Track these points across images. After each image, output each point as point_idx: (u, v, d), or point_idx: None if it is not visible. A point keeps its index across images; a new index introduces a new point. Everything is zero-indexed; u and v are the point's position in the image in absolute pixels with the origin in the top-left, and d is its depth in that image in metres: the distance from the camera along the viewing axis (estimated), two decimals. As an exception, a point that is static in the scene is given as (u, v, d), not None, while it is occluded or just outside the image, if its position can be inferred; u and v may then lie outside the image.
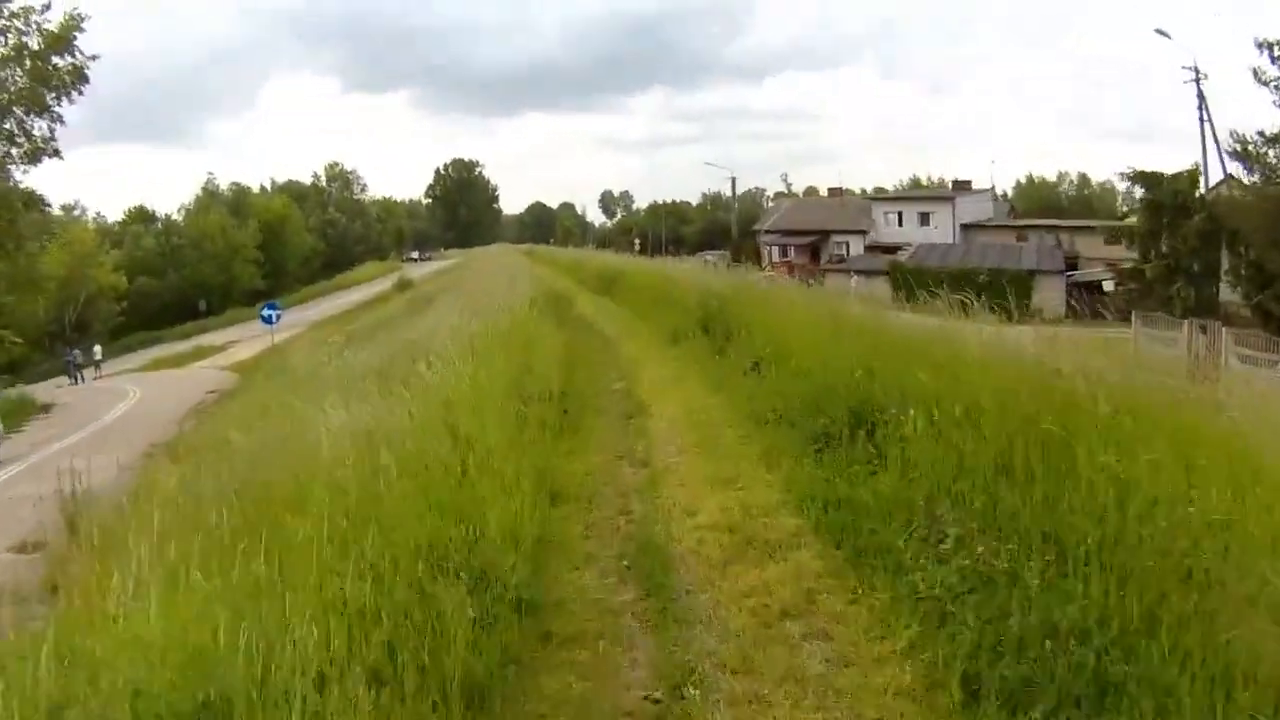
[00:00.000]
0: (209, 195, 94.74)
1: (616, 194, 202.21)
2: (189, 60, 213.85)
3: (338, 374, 17.97)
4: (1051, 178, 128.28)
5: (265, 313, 44.30)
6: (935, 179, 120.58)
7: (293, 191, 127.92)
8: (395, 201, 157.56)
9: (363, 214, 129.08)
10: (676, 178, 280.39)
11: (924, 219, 72.33)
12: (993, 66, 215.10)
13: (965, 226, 70.58)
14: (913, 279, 54.38)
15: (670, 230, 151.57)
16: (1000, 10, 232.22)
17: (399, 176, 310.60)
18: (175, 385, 43.02)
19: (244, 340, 63.89)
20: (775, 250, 76.79)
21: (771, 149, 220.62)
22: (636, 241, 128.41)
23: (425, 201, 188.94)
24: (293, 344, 47.55)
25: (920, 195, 76.30)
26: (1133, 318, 39.69)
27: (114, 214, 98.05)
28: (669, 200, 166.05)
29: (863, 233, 73.89)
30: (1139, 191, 47.63)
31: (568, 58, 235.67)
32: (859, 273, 61.47)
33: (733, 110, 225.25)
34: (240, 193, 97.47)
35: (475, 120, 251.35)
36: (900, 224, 73.38)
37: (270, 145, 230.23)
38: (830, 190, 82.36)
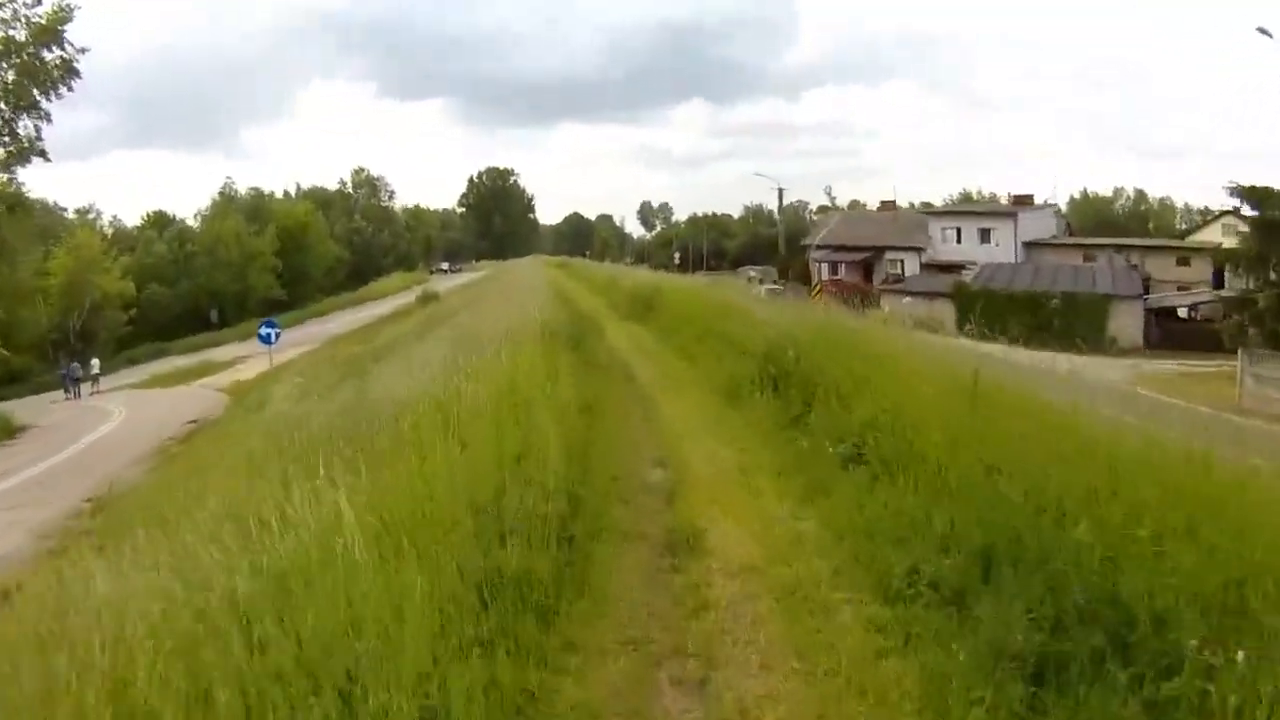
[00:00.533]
0: (226, 200, 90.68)
1: (655, 206, 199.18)
2: (224, 65, 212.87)
3: (288, 432, 13.41)
4: (1106, 193, 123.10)
5: (263, 331, 39.83)
6: (985, 194, 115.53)
7: (318, 198, 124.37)
8: (426, 210, 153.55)
9: (391, 222, 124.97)
10: (716, 191, 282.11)
11: (984, 235, 67.26)
12: (1033, 82, 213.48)
13: (1028, 244, 65.47)
14: (979, 303, 50.24)
15: (711, 243, 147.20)
16: (1038, 25, 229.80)
17: (433, 186, 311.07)
18: (159, 409, 38.95)
19: (253, 356, 59.63)
20: (824, 267, 71.78)
21: (812, 164, 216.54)
22: (676, 255, 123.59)
23: (459, 211, 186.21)
24: (289, 369, 43.00)
25: (980, 210, 70.93)
26: (1239, 355, 34.92)
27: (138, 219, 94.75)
28: (709, 213, 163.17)
29: (918, 250, 68.72)
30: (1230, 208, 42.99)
31: (607, 69, 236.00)
32: (914, 294, 56.30)
33: (773, 125, 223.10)
34: (258, 198, 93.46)
35: (512, 130, 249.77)
36: (959, 240, 68.27)
37: (304, 152, 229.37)
38: (882, 204, 77.06)
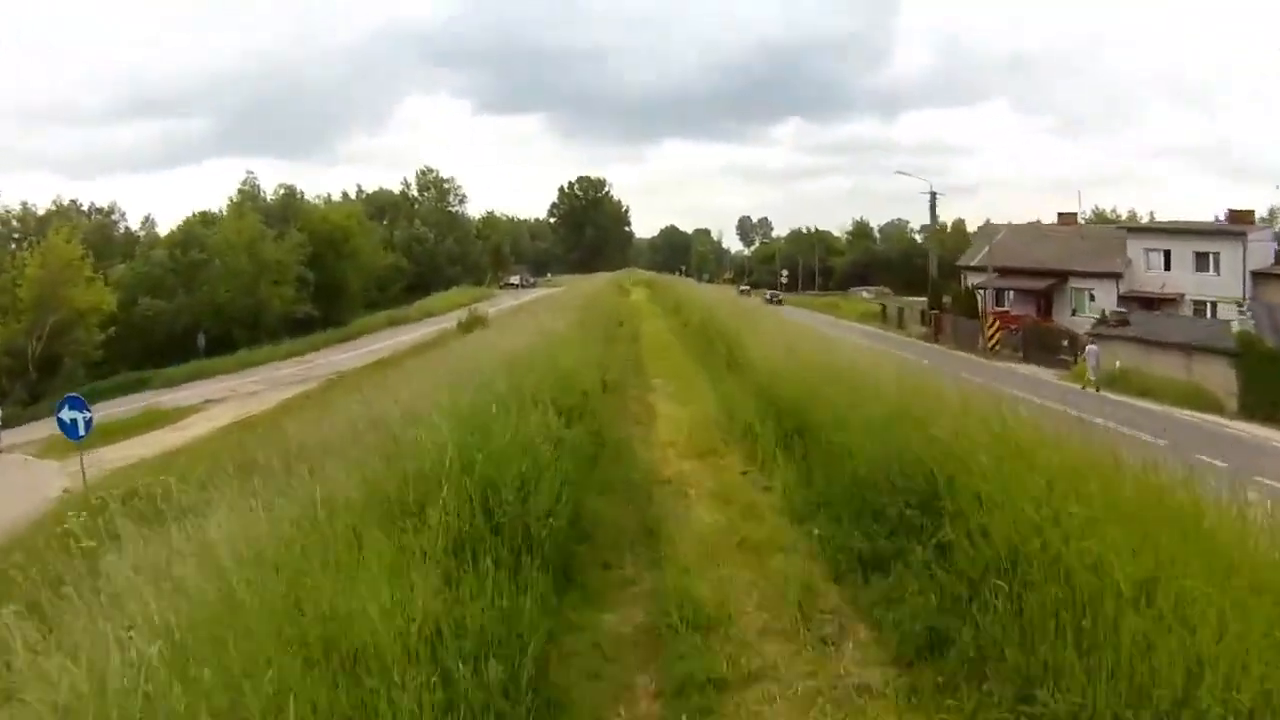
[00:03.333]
0: (248, 197, 76.55)
1: (755, 221, 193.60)
2: (326, 79, 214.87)
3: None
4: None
5: (63, 417, 20.58)
6: (1123, 213, 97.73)
7: (378, 202, 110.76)
8: (503, 218, 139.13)
9: (458, 228, 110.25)
10: (813, 208, 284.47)
11: (1201, 261, 49.47)
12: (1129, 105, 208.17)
13: (1257, 274, 47.67)
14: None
15: (819, 260, 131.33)
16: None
17: (529, 200, 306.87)
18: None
19: (235, 398, 45.30)
20: (988, 295, 54.64)
21: (907, 183, 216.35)
22: (784, 274, 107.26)
23: (550, 221, 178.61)
24: (198, 448, 27.91)
25: (1197, 229, 52.94)
26: None
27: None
28: (811, 228, 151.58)
29: (1114, 276, 51.13)
30: None
31: (705, 87, 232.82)
32: (1149, 344, 39.18)
33: (868, 142, 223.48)
34: (288, 198, 78.48)
35: (608, 147, 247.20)
36: (1167, 266, 50.62)
37: (399, 166, 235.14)
38: (1061, 217, 59.07)
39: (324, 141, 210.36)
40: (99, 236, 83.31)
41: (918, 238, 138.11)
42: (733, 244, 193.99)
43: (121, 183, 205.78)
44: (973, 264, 56.56)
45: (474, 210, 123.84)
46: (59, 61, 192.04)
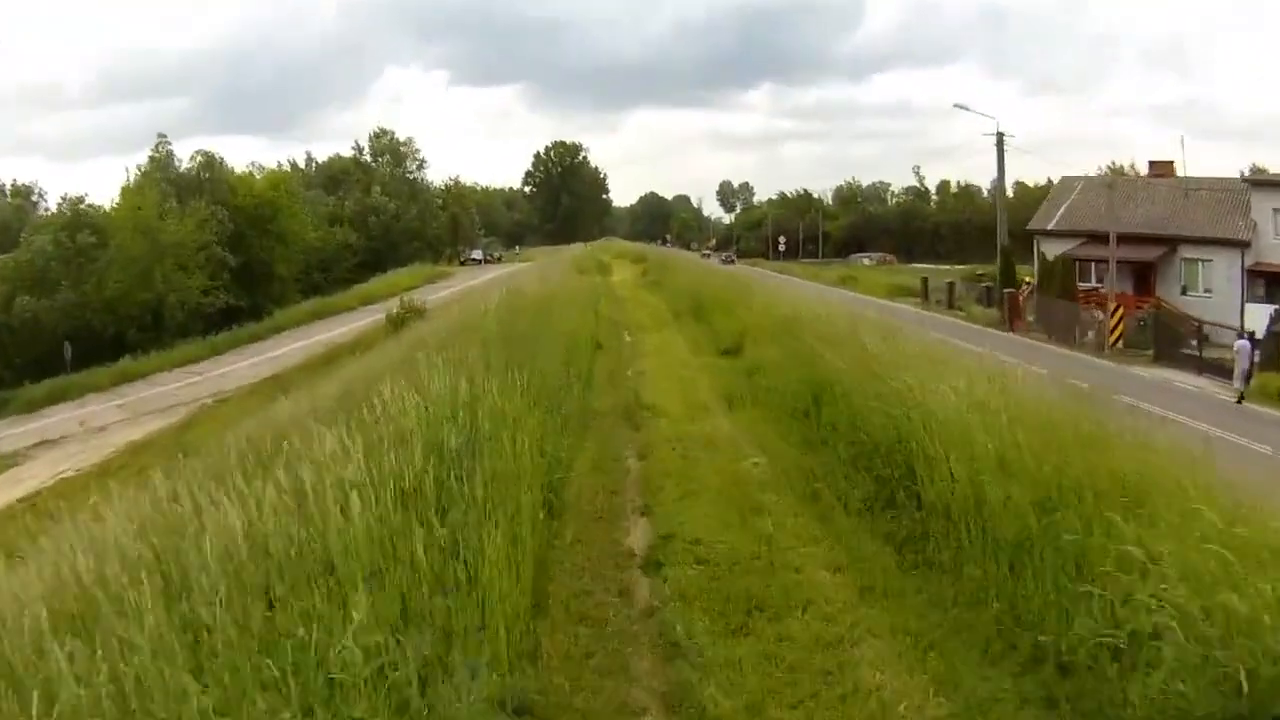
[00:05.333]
0: (159, 167, 63.17)
1: (736, 186, 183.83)
2: (300, 53, 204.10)
3: None
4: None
5: None
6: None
7: (331, 170, 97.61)
8: (472, 187, 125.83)
9: (418, 199, 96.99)
10: (791, 172, 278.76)
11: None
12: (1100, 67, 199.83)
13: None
14: None
15: (810, 226, 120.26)
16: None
17: (504, 171, 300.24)
18: None
19: (74, 440, 33.59)
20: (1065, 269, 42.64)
21: (882, 146, 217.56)
22: (781, 242, 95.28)
23: (526, 190, 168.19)
24: None
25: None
26: None
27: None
28: (797, 191, 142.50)
29: (1240, 245, 39.30)
30: None
31: (677, 53, 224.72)
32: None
33: (842, 106, 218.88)
34: (206, 166, 65.08)
35: (584, 115, 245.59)
36: (1308, 230, 39.14)
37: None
38: (1153, 167, 46.47)
39: (299, 118, 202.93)
40: (15, 219, 74.31)
41: (931, 193, 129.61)
42: (714, 210, 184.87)
43: (105, 165, 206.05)
44: (1050, 227, 44.28)
45: (438, 177, 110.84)
46: (40, 45, 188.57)
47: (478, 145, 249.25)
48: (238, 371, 40.43)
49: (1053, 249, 43.75)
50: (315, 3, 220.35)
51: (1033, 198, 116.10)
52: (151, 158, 62.99)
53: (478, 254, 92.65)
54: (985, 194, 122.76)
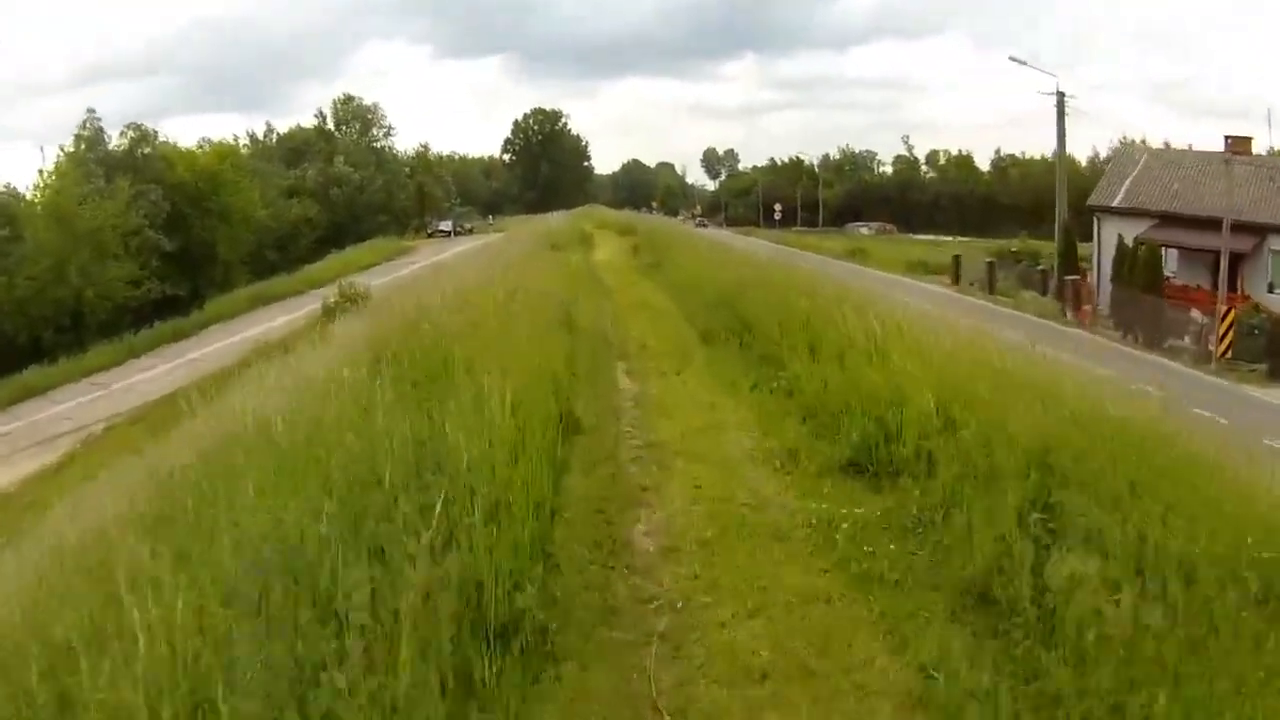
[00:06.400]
0: (89, 144, 55.40)
1: (721, 154, 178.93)
2: (279, 28, 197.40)
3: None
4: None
5: None
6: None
7: (293, 143, 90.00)
8: (449, 156, 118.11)
9: (384, 169, 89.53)
10: (773, 143, 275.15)
11: None
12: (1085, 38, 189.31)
13: None
14: None
15: (804, 193, 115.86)
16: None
17: (489, 143, 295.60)
18: None
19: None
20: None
21: (867, 117, 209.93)
22: (778, 210, 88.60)
23: (505, 158, 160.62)
24: None
25: None
26: None
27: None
28: (791, 158, 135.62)
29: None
30: None
31: (659, 23, 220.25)
32: None
33: (826, 78, 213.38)
34: (140, 141, 56.58)
35: (566, 84, 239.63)
36: None
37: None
38: (1231, 143, 38.67)
39: (278, 95, 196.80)
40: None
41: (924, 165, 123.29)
42: (698, 178, 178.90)
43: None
44: (1115, 204, 37.48)
45: (408, 145, 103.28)
46: (20, 31, 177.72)
47: (461, 118, 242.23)
48: (144, 383, 33.53)
49: (1114, 230, 37.02)
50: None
51: (1033, 171, 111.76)
52: (78, 136, 55.24)
53: (446, 225, 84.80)
54: (987, 166, 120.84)
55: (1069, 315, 33.51)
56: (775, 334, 17.15)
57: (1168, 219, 34.79)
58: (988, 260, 41.47)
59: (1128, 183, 37.91)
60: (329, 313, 31.35)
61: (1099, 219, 37.51)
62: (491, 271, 22.92)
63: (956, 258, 45.17)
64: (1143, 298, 31.92)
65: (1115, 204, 37.51)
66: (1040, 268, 40.54)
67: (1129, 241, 35.86)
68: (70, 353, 40.92)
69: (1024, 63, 35.87)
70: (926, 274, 49.40)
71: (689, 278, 28.84)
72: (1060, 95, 35.82)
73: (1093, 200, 37.94)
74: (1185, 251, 35.50)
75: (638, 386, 16.61)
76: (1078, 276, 35.08)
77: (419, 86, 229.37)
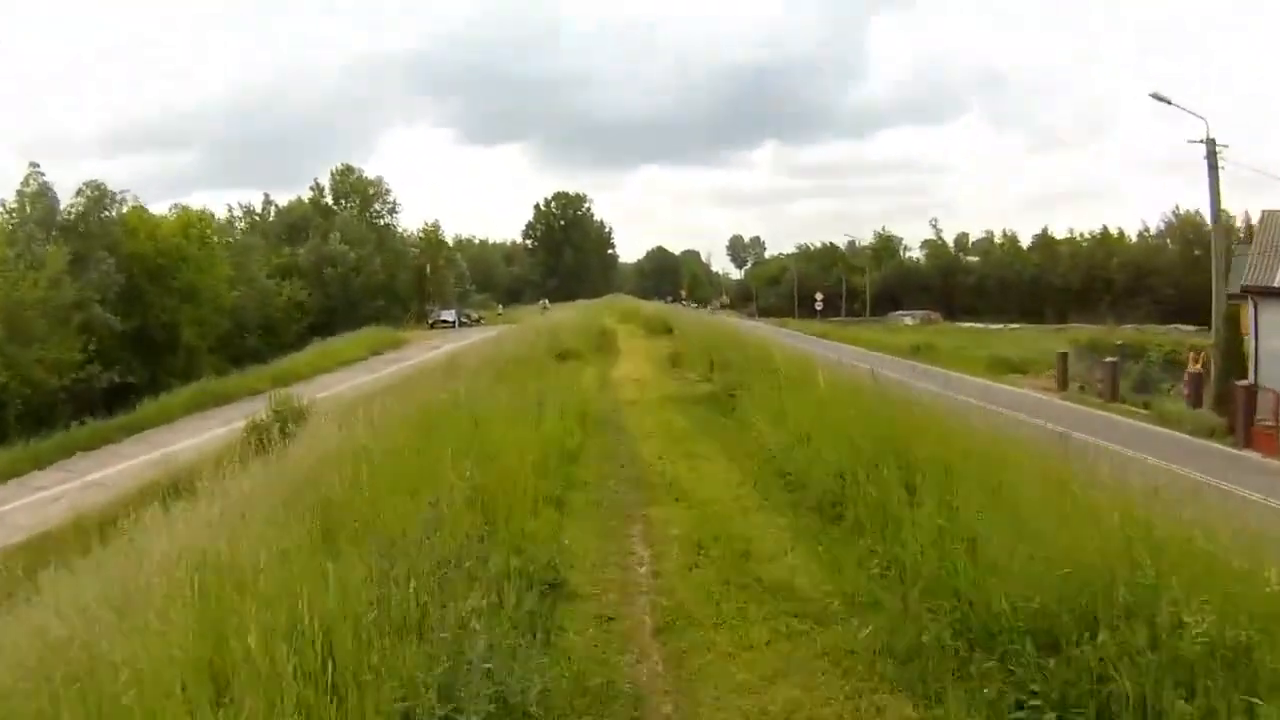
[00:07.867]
0: (32, 203, 48.66)
1: (746, 240, 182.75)
2: (307, 109, 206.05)
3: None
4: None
5: None
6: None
7: (291, 218, 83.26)
8: (454, 238, 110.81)
9: (385, 248, 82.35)
10: (798, 230, 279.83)
11: None
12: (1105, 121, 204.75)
13: None
14: None
15: (835, 281, 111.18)
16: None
17: (508, 228, 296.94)
18: None
19: None
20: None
21: (887, 202, 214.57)
22: (819, 300, 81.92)
23: (526, 243, 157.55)
24: None
25: None
26: None
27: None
28: (819, 244, 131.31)
29: None
30: None
31: (680, 111, 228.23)
32: None
33: (846, 164, 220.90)
34: (96, 203, 49.29)
35: (589, 173, 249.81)
36: None
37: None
38: None
39: (307, 171, 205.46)
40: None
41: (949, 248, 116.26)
42: (723, 265, 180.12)
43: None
44: (1278, 284, 29.04)
45: (415, 223, 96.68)
46: (52, 97, 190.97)
47: (484, 203, 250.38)
48: (19, 514, 25.20)
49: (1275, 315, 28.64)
50: (324, 58, 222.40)
51: (1081, 250, 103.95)
52: (20, 193, 47.98)
53: (449, 315, 77.11)
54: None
55: (1236, 433, 24.83)
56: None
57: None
58: (1108, 360, 32.94)
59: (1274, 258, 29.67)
60: (251, 430, 22.85)
61: (1256, 303, 29.01)
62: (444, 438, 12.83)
63: (1063, 355, 36.75)
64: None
65: (1265, 282, 29.09)
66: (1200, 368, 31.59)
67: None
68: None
69: (1168, 101, 27.87)
70: (1009, 373, 41.31)
71: (799, 427, 16.37)
72: (1211, 142, 27.81)
73: (1248, 280, 29.40)
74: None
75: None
76: (1249, 381, 26.36)
77: (442, 170, 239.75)
